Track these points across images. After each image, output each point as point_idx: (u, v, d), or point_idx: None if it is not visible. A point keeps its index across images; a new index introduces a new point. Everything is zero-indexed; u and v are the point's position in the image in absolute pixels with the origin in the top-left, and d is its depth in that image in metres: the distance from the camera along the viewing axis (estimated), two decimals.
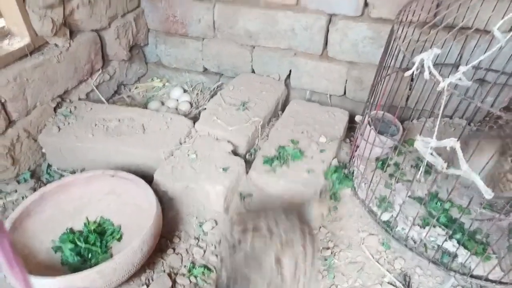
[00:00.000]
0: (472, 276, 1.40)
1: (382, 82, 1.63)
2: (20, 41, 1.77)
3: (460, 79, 1.07)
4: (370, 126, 1.66)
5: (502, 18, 1.63)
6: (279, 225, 1.13)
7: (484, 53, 1.32)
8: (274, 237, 1.10)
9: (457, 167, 1.17)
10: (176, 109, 2.39)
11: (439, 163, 1.19)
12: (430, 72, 1.12)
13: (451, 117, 2.08)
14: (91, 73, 2.17)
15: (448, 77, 1.73)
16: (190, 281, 1.42)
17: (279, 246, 1.07)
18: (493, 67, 1.85)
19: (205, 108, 2.10)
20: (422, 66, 1.17)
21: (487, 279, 1.39)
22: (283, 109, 2.27)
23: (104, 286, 1.23)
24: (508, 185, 1.49)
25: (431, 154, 1.20)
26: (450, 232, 1.45)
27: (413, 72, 1.17)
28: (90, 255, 1.44)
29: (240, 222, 1.15)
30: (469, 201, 1.31)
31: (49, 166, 1.92)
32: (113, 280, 1.24)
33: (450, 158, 1.39)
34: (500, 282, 1.38)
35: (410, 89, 1.83)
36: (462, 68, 1.07)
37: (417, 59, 1.15)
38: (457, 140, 1.11)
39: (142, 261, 1.33)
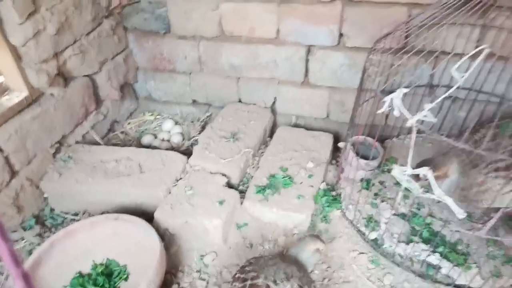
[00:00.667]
0: (455, 286, 1.52)
1: (361, 109, 1.76)
2: (18, 95, 1.87)
3: (426, 116, 1.19)
4: (352, 151, 1.79)
5: (465, 44, 1.79)
6: (277, 284, 1.21)
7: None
8: None
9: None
10: (169, 141, 2.49)
11: (415, 189, 1.32)
12: (399, 110, 1.24)
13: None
14: (86, 116, 2.27)
15: (422, 98, 1.87)
16: None
17: None
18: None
19: (197, 142, 2.21)
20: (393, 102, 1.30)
21: None
22: (271, 135, 2.39)
23: None
24: (481, 196, 1.61)
25: (407, 181, 1.33)
26: (432, 248, 1.56)
27: (384, 110, 1.30)
28: None
29: (241, 277, 1.25)
30: (445, 220, 1.43)
31: (52, 210, 2.00)
32: None
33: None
34: None
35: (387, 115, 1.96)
36: (428, 106, 1.20)
37: (387, 98, 1.28)
38: (429, 169, 1.24)
39: None
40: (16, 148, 1.82)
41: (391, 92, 1.37)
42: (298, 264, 1.36)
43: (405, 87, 1.31)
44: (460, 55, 1.85)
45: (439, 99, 1.22)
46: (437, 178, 1.30)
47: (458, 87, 1.36)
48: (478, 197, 1.61)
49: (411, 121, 1.23)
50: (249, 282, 1.22)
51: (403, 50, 1.75)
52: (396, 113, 1.27)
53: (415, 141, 2.09)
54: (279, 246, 1.74)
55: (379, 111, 1.32)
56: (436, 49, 1.95)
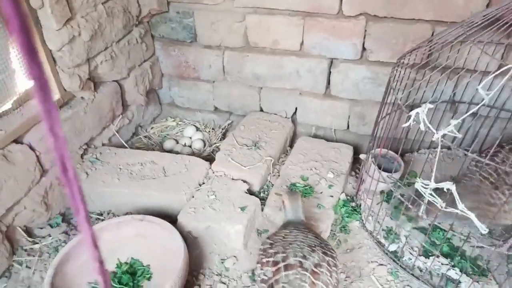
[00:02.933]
0: None
1: (384, 121, 1.79)
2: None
3: (452, 131, 1.22)
4: (374, 164, 1.81)
5: (488, 62, 1.81)
6: (307, 258, 1.26)
7: (476, 91, 1.49)
8: (304, 270, 1.23)
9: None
10: (190, 146, 2.55)
11: (438, 203, 1.34)
12: (425, 125, 1.27)
13: (449, 148, 2.23)
14: (113, 119, 2.35)
15: (443, 113, 1.90)
16: None
17: (310, 277, 1.21)
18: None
19: (219, 148, 2.26)
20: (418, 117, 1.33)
21: None
22: (291, 145, 2.43)
23: None
24: (504, 215, 1.62)
25: (431, 194, 1.35)
26: (453, 263, 1.57)
27: (409, 124, 1.33)
28: None
29: (270, 260, 1.28)
30: (467, 234, 1.45)
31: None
32: None
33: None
34: None
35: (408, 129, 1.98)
36: (453, 121, 1.23)
37: (412, 113, 1.31)
38: (453, 184, 1.26)
39: None
40: (47, 148, 1.89)
41: (413, 106, 1.41)
42: (308, 228, 1.42)
43: (430, 102, 1.34)
44: (483, 73, 1.89)
45: (466, 115, 1.25)
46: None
47: (484, 105, 1.39)
48: (501, 216, 1.62)
49: (437, 136, 1.25)
50: (282, 264, 1.25)
51: (427, 67, 1.78)
52: (422, 127, 1.30)
53: (434, 155, 2.11)
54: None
55: (404, 125, 1.35)
56: (459, 66, 1.98)
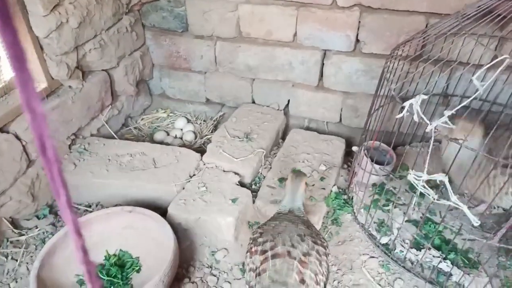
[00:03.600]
0: None
1: (377, 114, 1.78)
2: (38, 86, 1.90)
3: (445, 122, 1.21)
4: (366, 157, 1.80)
5: (481, 55, 1.80)
6: (295, 247, 1.25)
7: (469, 84, 1.47)
8: (292, 258, 1.23)
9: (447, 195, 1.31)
10: (181, 138, 2.52)
11: (431, 195, 1.33)
12: (419, 116, 1.26)
13: (440, 142, 2.22)
14: (102, 110, 2.30)
15: (436, 107, 1.89)
16: None
17: (298, 266, 1.21)
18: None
19: (210, 140, 2.23)
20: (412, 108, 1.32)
21: None
22: (283, 137, 2.41)
23: None
24: (493, 189, 1.60)
25: (423, 186, 1.34)
26: (444, 255, 1.57)
27: (403, 115, 1.31)
28: (112, 287, 1.55)
29: (259, 249, 1.28)
30: (459, 227, 1.44)
31: None
32: None
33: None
34: None
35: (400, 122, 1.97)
36: (447, 112, 1.21)
37: (406, 104, 1.30)
38: (445, 175, 1.25)
39: None
40: (33, 138, 1.84)
41: (406, 99, 1.39)
42: (300, 218, 1.41)
43: (424, 93, 1.32)
44: (477, 66, 1.88)
45: (459, 106, 1.24)
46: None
47: (476, 98, 1.38)
48: (485, 191, 1.60)
49: (430, 127, 1.24)
50: (270, 253, 1.24)
51: (420, 59, 1.77)
52: (415, 118, 1.28)
53: (426, 149, 2.11)
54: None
55: (398, 116, 1.34)
56: (452, 59, 1.97)
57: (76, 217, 0.45)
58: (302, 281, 1.19)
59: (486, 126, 1.63)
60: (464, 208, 1.27)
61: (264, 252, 1.26)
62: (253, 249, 1.31)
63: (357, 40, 2.13)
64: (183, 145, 2.40)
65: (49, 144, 0.39)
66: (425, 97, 1.28)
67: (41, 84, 1.91)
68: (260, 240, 1.32)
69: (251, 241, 1.37)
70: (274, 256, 1.23)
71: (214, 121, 2.66)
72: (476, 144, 1.52)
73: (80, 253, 0.47)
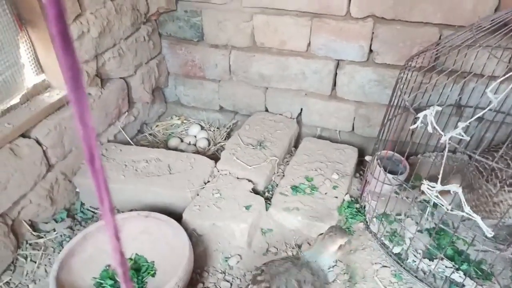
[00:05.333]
0: None
1: (390, 123, 1.80)
2: (59, 93, 1.96)
3: (460, 133, 1.23)
4: (380, 166, 1.82)
5: (494, 68, 1.81)
6: None
7: (482, 95, 1.49)
8: None
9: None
10: (195, 145, 2.56)
11: (444, 205, 1.34)
12: (433, 127, 1.28)
13: (453, 152, 2.23)
14: (119, 116, 2.36)
15: (449, 117, 1.90)
16: None
17: None
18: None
19: (223, 148, 2.27)
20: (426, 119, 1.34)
21: None
22: (296, 146, 2.44)
23: None
24: (493, 208, 1.60)
25: (437, 197, 1.35)
26: (457, 266, 1.58)
27: (417, 126, 1.33)
28: None
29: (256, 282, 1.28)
30: (473, 238, 1.45)
31: (82, 204, 2.07)
32: None
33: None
34: None
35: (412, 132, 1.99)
36: (461, 124, 1.23)
37: (421, 115, 1.32)
38: (459, 186, 1.26)
39: None
40: (54, 143, 1.89)
41: (419, 110, 1.41)
42: (311, 267, 1.34)
43: (438, 105, 1.34)
44: (490, 77, 1.89)
45: (474, 117, 1.26)
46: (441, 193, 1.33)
47: (491, 109, 1.39)
48: (490, 208, 1.61)
49: (445, 138, 1.26)
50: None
51: (434, 70, 1.79)
52: (429, 129, 1.30)
53: (439, 159, 2.12)
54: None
55: (412, 127, 1.36)
56: (465, 70, 1.98)
57: (116, 222, 0.49)
58: None
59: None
60: (478, 219, 1.28)
61: None
62: (249, 286, 1.32)
63: (370, 51, 2.16)
64: (197, 152, 2.44)
65: (96, 155, 0.43)
66: (439, 108, 1.30)
67: (61, 91, 1.97)
68: (258, 278, 1.30)
69: (251, 277, 1.36)
70: None
71: (227, 128, 2.70)
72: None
73: (117, 255, 0.51)
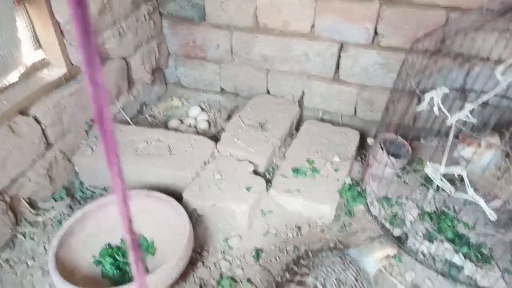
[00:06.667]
0: (477, 287, 1.53)
1: (395, 107, 1.78)
2: (58, 71, 1.93)
3: (467, 115, 1.21)
4: (382, 149, 1.80)
5: (501, 52, 1.79)
6: (326, 284, 1.16)
7: (487, 80, 1.47)
8: None
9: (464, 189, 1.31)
10: (195, 127, 2.54)
11: (447, 188, 1.33)
12: (439, 108, 1.26)
13: (456, 137, 2.21)
14: (118, 96, 2.33)
15: (453, 102, 1.88)
16: None
17: None
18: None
19: (224, 129, 2.25)
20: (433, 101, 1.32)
21: None
22: (297, 128, 2.42)
23: None
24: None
25: (440, 179, 1.34)
26: (457, 249, 1.58)
27: (423, 107, 1.31)
28: (128, 269, 1.58)
29: (293, 269, 1.24)
30: (475, 221, 1.44)
31: (81, 183, 2.06)
32: None
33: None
34: None
35: (416, 116, 1.97)
36: (468, 106, 1.21)
37: (427, 96, 1.29)
38: (464, 169, 1.25)
39: (178, 275, 1.46)
40: (53, 121, 1.87)
41: (424, 93, 1.39)
42: (358, 269, 1.26)
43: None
44: (496, 62, 1.87)
45: (480, 100, 1.24)
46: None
47: (496, 94, 1.37)
48: (504, 185, 1.59)
49: (451, 120, 1.24)
50: (298, 278, 1.20)
51: (439, 54, 1.76)
52: (435, 110, 1.28)
53: (443, 143, 2.10)
54: (302, 236, 1.77)
55: (418, 109, 1.34)
56: (471, 54, 1.96)
57: (125, 186, 0.47)
58: None
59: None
60: (481, 202, 1.27)
61: (295, 274, 1.22)
62: (290, 267, 1.28)
63: (375, 33, 2.12)
64: (197, 134, 2.42)
65: (107, 116, 0.41)
66: (447, 90, 1.28)
67: (61, 69, 1.94)
68: (302, 262, 1.26)
69: (296, 258, 1.31)
70: (298, 283, 1.19)
71: (228, 110, 2.67)
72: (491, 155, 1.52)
73: (125, 221, 0.49)
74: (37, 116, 1.80)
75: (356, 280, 1.21)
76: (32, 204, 1.88)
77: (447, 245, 1.62)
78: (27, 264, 1.66)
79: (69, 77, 1.98)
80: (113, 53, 2.19)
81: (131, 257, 0.47)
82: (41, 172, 1.86)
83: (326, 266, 1.21)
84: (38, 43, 1.89)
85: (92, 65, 0.37)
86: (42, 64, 1.92)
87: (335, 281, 1.17)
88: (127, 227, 0.47)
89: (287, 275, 1.23)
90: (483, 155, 1.46)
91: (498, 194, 1.70)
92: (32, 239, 1.75)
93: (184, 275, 1.59)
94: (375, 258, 1.31)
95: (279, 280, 1.26)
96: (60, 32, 1.88)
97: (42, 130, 1.84)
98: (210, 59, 2.57)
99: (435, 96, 1.27)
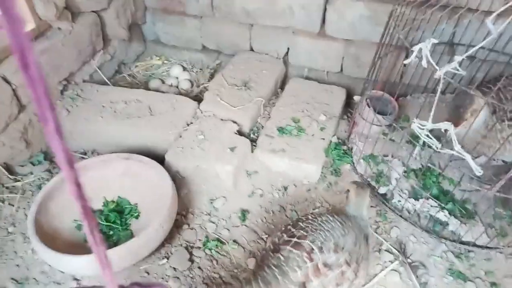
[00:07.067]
0: (461, 243, 1.56)
1: (381, 62, 1.72)
2: (27, 26, 1.79)
3: (456, 68, 1.16)
4: (369, 106, 1.76)
5: (492, 2, 1.71)
6: (322, 251, 1.15)
7: (476, 33, 1.41)
8: (309, 259, 1.13)
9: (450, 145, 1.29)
10: (177, 87, 2.44)
11: (434, 144, 1.31)
12: (427, 61, 1.21)
13: (443, 93, 2.18)
14: (93, 54, 2.20)
15: (441, 56, 1.83)
16: (205, 253, 1.55)
17: (310, 269, 1.13)
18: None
19: (207, 89, 2.17)
20: (421, 53, 1.26)
21: (474, 245, 1.54)
22: (282, 87, 2.35)
23: (131, 261, 1.35)
24: (491, 143, 1.58)
25: (427, 135, 1.31)
26: (442, 205, 1.59)
27: (411, 60, 1.26)
28: (111, 233, 1.55)
29: (291, 231, 1.21)
30: (461, 177, 1.44)
31: None
32: (139, 255, 1.36)
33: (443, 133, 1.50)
34: (486, 247, 1.54)
35: (403, 72, 1.91)
36: (457, 58, 1.16)
37: (415, 48, 1.24)
38: (451, 124, 1.22)
39: (163, 237, 1.44)
40: (24, 81, 1.76)
41: (412, 46, 1.33)
42: (358, 231, 1.26)
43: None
44: (485, 13, 1.80)
45: (471, 51, 1.19)
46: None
47: (483, 47, 1.31)
48: (491, 143, 1.58)
49: (439, 73, 1.19)
50: (295, 240, 1.18)
51: (427, 4, 1.68)
52: (424, 63, 1.23)
53: (428, 100, 2.07)
54: (288, 195, 1.76)
55: (406, 61, 1.28)
56: (461, 5, 1.88)
57: (66, 145, 0.40)
58: (303, 286, 1.12)
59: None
60: (468, 158, 1.26)
61: (292, 236, 1.20)
62: (288, 227, 1.24)
63: None
64: (179, 94, 2.34)
65: (31, 58, 0.33)
66: (435, 41, 1.22)
67: (28, 24, 1.80)
68: (300, 224, 1.23)
69: (294, 220, 1.29)
70: (295, 245, 1.16)
71: (211, 69, 2.57)
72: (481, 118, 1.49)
73: (73, 187, 0.42)
74: (5, 76, 1.69)
75: (355, 244, 1.21)
76: (9, 169, 1.81)
77: (432, 202, 1.63)
78: (7, 230, 1.62)
79: (38, 33, 1.85)
80: (84, 7, 2.04)
81: (85, 227, 0.41)
82: (15, 136, 1.78)
83: (325, 230, 1.20)
84: None
85: None
86: None
87: (332, 245, 1.16)
88: (75, 193, 0.40)
89: (285, 236, 1.21)
90: (479, 115, 1.42)
91: (484, 151, 1.70)
92: (11, 205, 1.70)
93: (170, 238, 1.57)
94: (367, 205, 1.36)
95: (276, 240, 1.23)
96: None
97: (13, 90, 1.73)
98: (190, 14, 2.44)
99: (424, 48, 1.22)
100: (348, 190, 1.39)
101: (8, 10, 0.29)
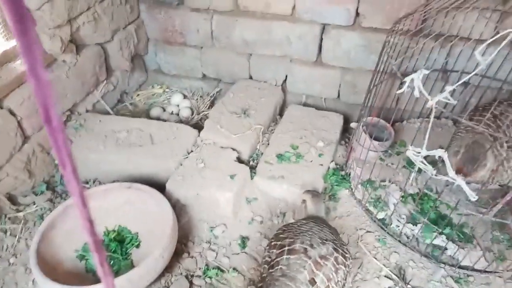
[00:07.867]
0: (460, 267, 1.56)
1: (376, 89, 1.76)
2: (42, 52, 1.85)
3: (447, 98, 1.20)
4: (365, 133, 1.80)
5: (482, 31, 1.78)
6: (314, 247, 1.25)
7: (468, 61, 1.46)
8: (307, 257, 1.22)
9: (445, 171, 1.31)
10: (178, 114, 2.49)
11: (429, 170, 1.34)
12: (420, 91, 1.25)
13: (438, 118, 2.23)
14: (97, 85, 2.26)
15: (434, 83, 1.87)
16: (206, 282, 1.56)
17: (311, 265, 1.20)
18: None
19: (207, 116, 2.21)
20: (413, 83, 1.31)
21: (473, 269, 1.55)
22: (281, 113, 2.40)
23: None
24: (505, 173, 1.61)
25: (422, 162, 1.34)
26: (440, 230, 1.60)
27: (404, 90, 1.30)
28: (112, 262, 1.56)
29: (278, 244, 1.29)
30: (457, 202, 1.46)
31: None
32: (140, 285, 1.37)
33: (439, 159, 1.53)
34: (485, 271, 1.54)
35: (398, 98, 1.96)
36: (448, 88, 1.20)
37: (407, 79, 1.28)
38: (445, 151, 1.25)
39: (163, 267, 1.45)
40: (29, 113, 1.81)
41: (406, 75, 1.37)
42: (327, 225, 1.42)
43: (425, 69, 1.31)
44: (477, 41, 1.86)
45: (461, 81, 1.23)
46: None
47: (477, 73, 1.36)
48: (500, 173, 1.60)
49: (431, 102, 1.23)
50: (287, 248, 1.26)
51: (421, 34, 1.74)
52: (416, 93, 1.27)
53: (423, 125, 2.11)
54: (287, 222, 1.77)
55: (399, 92, 1.33)
56: (452, 34, 1.94)
57: (82, 187, 0.44)
58: (312, 281, 1.19)
59: None
60: (462, 183, 1.28)
61: (282, 246, 1.27)
62: (272, 243, 1.32)
63: (357, 14, 2.09)
64: (180, 122, 2.39)
65: (53, 113, 0.37)
66: (427, 72, 1.27)
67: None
68: (281, 236, 1.33)
69: (273, 236, 1.38)
70: (290, 252, 1.24)
71: (211, 97, 2.63)
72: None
73: (86, 223, 0.46)
74: (11, 108, 1.74)
75: (332, 233, 1.36)
76: (12, 199, 1.83)
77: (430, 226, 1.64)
78: (8, 261, 1.63)
79: (44, 66, 1.91)
80: (89, 40, 2.11)
81: (96, 259, 0.45)
82: (19, 166, 1.81)
83: (306, 231, 1.33)
84: (9, 31, 1.81)
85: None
86: (15, 54, 1.85)
87: (318, 239, 1.29)
88: (88, 229, 0.44)
89: (275, 251, 1.28)
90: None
91: (498, 180, 1.70)
92: (13, 235, 1.72)
93: (169, 267, 1.58)
94: (322, 207, 1.56)
95: (268, 259, 1.29)
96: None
97: (18, 122, 1.78)
98: (190, 45, 2.51)
99: (416, 78, 1.26)
100: (304, 200, 1.58)
101: (35, 70, 0.33)
